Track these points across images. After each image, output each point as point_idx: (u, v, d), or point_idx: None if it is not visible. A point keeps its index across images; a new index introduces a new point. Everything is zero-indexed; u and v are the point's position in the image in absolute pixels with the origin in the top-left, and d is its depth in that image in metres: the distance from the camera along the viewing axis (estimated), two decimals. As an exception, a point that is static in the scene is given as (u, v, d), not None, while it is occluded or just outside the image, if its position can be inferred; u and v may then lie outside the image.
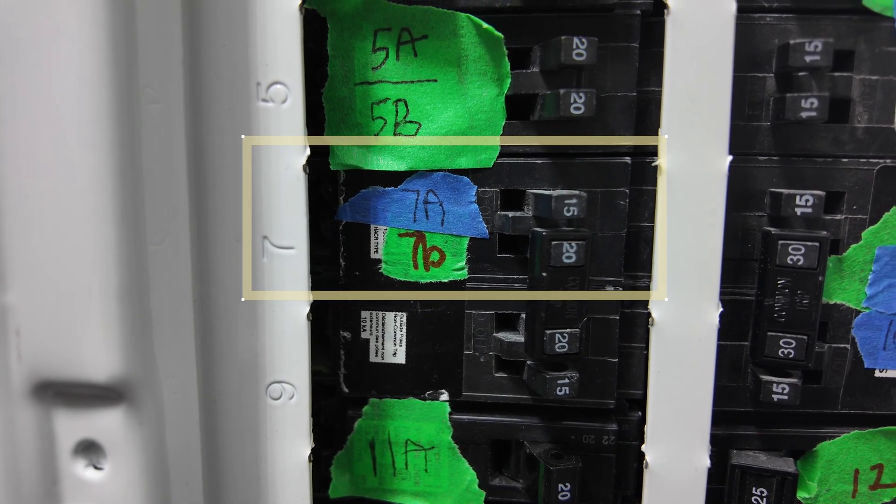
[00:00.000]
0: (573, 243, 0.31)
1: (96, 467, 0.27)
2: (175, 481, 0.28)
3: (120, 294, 0.25)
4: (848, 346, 0.34)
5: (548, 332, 0.32)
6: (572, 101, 0.30)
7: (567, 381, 0.32)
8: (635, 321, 0.35)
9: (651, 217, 0.34)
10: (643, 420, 0.35)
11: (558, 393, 0.32)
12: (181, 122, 0.29)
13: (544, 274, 0.31)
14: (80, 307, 0.25)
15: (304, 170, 0.30)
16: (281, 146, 0.29)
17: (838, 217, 0.33)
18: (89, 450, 0.27)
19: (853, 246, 0.33)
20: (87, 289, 0.25)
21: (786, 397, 0.32)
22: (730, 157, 0.30)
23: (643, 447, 0.33)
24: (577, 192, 0.31)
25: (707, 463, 0.32)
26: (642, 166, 0.33)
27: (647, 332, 0.34)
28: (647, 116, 0.33)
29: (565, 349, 0.32)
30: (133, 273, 0.26)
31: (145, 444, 0.26)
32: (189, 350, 0.29)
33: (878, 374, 0.34)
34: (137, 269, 0.27)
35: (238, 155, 0.30)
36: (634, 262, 0.34)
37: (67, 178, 0.26)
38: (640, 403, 0.36)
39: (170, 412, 0.29)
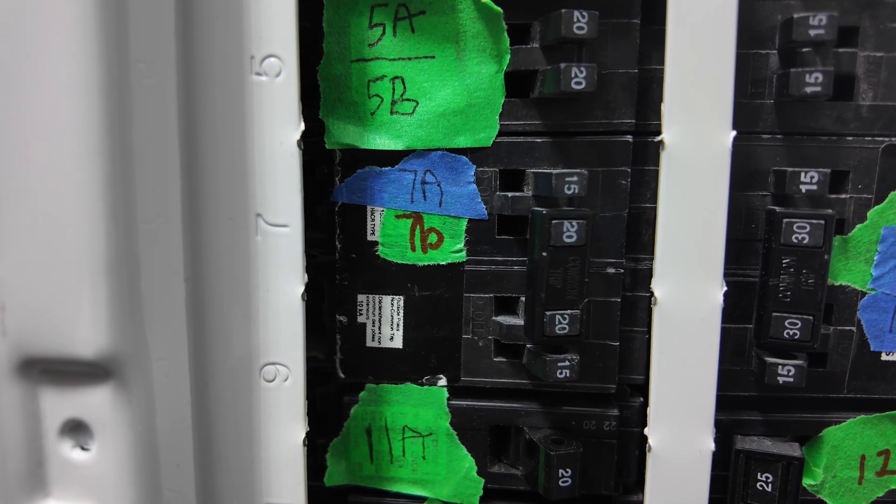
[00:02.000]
0: (574, 222, 0.30)
1: (83, 448, 0.26)
2: (165, 464, 0.27)
3: (108, 268, 0.25)
4: (854, 328, 0.33)
5: (548, 313, 0.31)
6: (573, 75, 0.29)
7: (567, 363, 0.32)
8: (637, 304, 0.34)
9: (652, 198, 0.33)
10: (645, 406, 0.34)
11: (558, 376, 0.32)
12: (173, 98, 0.29)
13: (544, 254, 0.31)
14: (67, 282, 0.24)
15: (299, 145, 0.29)
16: (275, 121, 0.29)
17: (843, 196, 0.32)
18: (76, 430, 0.26)
19: (858, 226, 0.32)
20: (74, 263, 0.25)
21: (791, 380, 0.31)
22: (733, 133, 0.29)
23: (646, 430, 0.32)
24: (577, 170, 0.31)
25: (711, 446, 0.31)
26: (644, 145, 0.33)
27: (649, 315, 0.33)
28: (648, 95, 0.33)
29: (566, 331, 0.31)
30: (122, 248, 0.26)
31: (134, 424, 0.25)
32: (180, 330, 0.29)
33: (884, 357, 0.34)
34: (127, 246, 0.26)
35: (231, 130, 0.29)
36: (636, 243, 0.34)
37: (55, 153, 0.26)
38: (642, 389, 0.35)
39: (160, 394, 0.28)
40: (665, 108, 0.30)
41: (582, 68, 0.29)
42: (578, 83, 0.29)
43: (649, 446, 0.32)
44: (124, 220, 0.26)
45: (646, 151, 0.33)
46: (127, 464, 0.26)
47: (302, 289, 0.30)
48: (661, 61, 0.31)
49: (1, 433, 0.25)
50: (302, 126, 0.29)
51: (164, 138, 0.28)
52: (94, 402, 0.25)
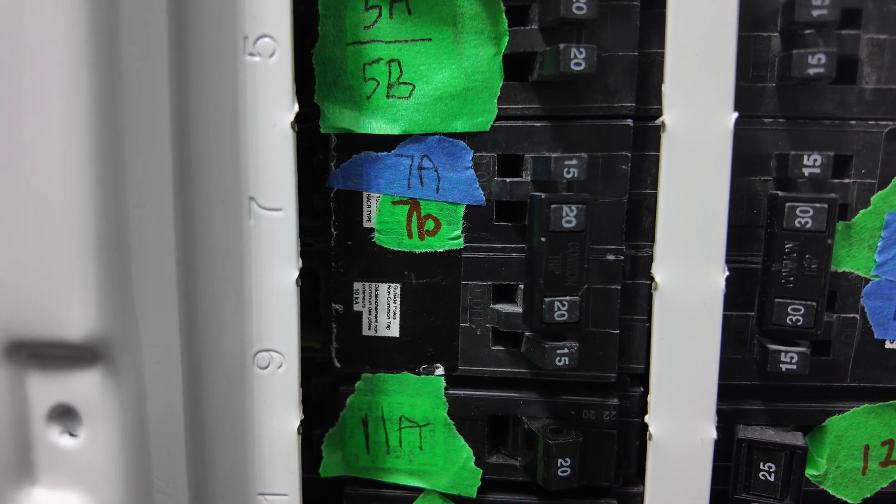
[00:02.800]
0: (573, 207, 0.30)
1: (72, 434, 0.25)
2: (156, 451, 0.27)
3: (98, 250, 0.24)
4: (857, 315, 0.33)
5: (546, 299, 0.31)
6: (572, 56, 0.29)
7: (567, 350, 0.31)
8: (637, 292, 0.34)
9: (653, 184, 0.33)
10: (645, 396, 0.33)
11: (557, 364, 0.31)
12: (165, 80, 0.28)
13: (543, 239, 0.30)
14: (55, 263, 0.24)
15: (293, 127, 0.29)
16: (268, 102, 0.28)
17: (846, 181, 0.32)
18: (65, 416, 0.25)
19: (862, 211, 0.32)
20: (62, 245, 0.24)
21: (794, 367, 0.31)
22: (735, 114, 0.29)
23: (646, 418, 0.31)
24: (577, 153, 0.30)
25: (714, 434, 0.31)
26: (644, 130, 0.32)
27: (650, 303, 0.33)
28: (649, 79, 0.32)
29: (565, 317, 0.31)
30: (112, 231, 0.25)
31: (123, 409, 0.25)
32: (172, 316, 0.28)
33: (888, 345, 0.33)
34: (117, 228, 0.26)
35: (224, 112, 0.29)
36: (636, 230, 0.33)
37: (45, 136, 0.25)
38: (642, 379, 0.35)
39: (151, 381, 0.27)
40: (666, 89, 0.29)
41: (581, 49, 0.29)
42: (578, 64, 0.29)
43: (650, 434, 0.31)
44: (114, 201, 0.26)
45: (646, 136, 0.32)
46: (116, 450, 0.25)
47: (296, 274, 0.30)
48: (662, 45, 0.30)
49: (-13, 419, 0.25)
50: (296, 107, 0.29)
51: (156, 121, 0.28)
52: (82, 387, 0.25)
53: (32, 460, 0.25)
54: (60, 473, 0.25)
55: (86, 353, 0.24)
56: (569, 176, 0.30)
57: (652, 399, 0.31)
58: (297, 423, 0.30)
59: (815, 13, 0.29)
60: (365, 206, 0.33)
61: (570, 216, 0.30)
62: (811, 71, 0.29)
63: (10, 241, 0.24)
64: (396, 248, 0.34)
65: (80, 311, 0.24)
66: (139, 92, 0.27)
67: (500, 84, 0.32)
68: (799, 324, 0.30)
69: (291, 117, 0.29)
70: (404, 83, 0.32)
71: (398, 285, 0.34)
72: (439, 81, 0.31)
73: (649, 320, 0.33)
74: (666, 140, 0.29)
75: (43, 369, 0.25)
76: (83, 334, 0.24)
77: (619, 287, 0.33)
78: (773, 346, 0.31)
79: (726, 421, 0.33)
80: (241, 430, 0.30)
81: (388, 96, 0.32)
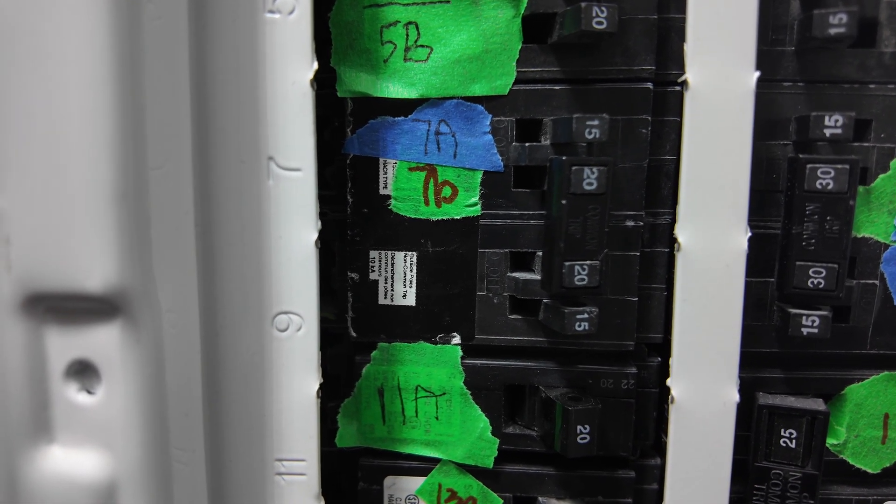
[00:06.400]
0: (594, 169, 0.30)
1: (89, 392, 0.25)
2: (173, 411, 0.26)
3: (117, 202, 0.24)
4: (877, 282, 0.33)
5: (566, 264, 0.30)
6: (594, 14, 0.28)
7: (586, 315, 0.31)
8: (655, 260, 0.34)
9: (672, 150, 0.32)
10: (663, 366, 0.33)
11: (577, 328, 0.31)
12: (184, 38, 0.28)
13: (563, 202, 0.30)
14: (74, 213, 0.23)
15: (312, 85, 0.28)
16: (287, 60, 0.28)
17: (866, 145, 0.32)
18: (82, 373, 0.25)
19: (881, 176, 0.32)
20: (82, 197, 0.24)
21: (816, 331, 0.30)
22: (757, 73, 0.29)
23: (668, 381, 0.31)
24: (599, 114, 0.30)
25: (736, 397, 0.30)
26: (664, 96, 0.32)
27: (668, 272, 0.32)
28: (668, 44, 0.32)
29: (585, 282, 0.30)
30: (131, 184, 0.25)
31: (142, 365, 0.24)
32: (191, 278, 0.28)
33: (908, 311, 0.33)
34: (136, 184, 0.25)
35: (243, 70, 0.28)
36: (655, 197, 0.33)
37: (65, 92, 0.25)
38: (660, 348, 0.34)
39: (169, 343, 0.27)
40: (688, 48, 0.29)
41: (603, 7, 0.29)
42: (600, 23, 0.29)
43: (672, 397, 0.31)
44: (134, 158, 0.25)
45: (665, 102, 0.32)
46: (134, 408, 0.25)
47: (315, 235, 0.29)
48: (680, 10, 0.30)
49: (4, 375, 0.24)
50: (315, 65, 0.28)
51: (175, 80, 0.28)
52: (101, 342, 0.24)
53: (50, 418, 0.25)
54: (78, 431, 0.25)
55: (105, 305, 0.24)
56: (590, 136, 0.30)
57: (674, 361, 0.31)
58: (317, 387, 0.30)
59: (836, -27, 0.29)
60: (381, 172, 0.33)
61: (591, 178, 0.30)
62: (832, 31, 0.29)
63: (29, 192, 0.24)
64: (413, 216, 0.33)
65: (99, 262, 0.23)
66: (158, 50, 0.27)
67: (519, 46, 0.31)
68: (820, 287, 0.30)
69: (311, 75, 0.28)
70: (422, 46, 0.31)
71: (414, 253, 0.34)
72: (457, 44, 0.31)
73: (667, 289, 0.33)
74: (689, 98, 0.29)
75: (61, 324, 0.24)
76: (102, 285, 0.23)
77: (638, 254, 0.33)
78: (794, 310, 0.31)
79: (746, 389, 0.33)
80: (259, 394, 0.30)
81: (405, 60, 0.31)
